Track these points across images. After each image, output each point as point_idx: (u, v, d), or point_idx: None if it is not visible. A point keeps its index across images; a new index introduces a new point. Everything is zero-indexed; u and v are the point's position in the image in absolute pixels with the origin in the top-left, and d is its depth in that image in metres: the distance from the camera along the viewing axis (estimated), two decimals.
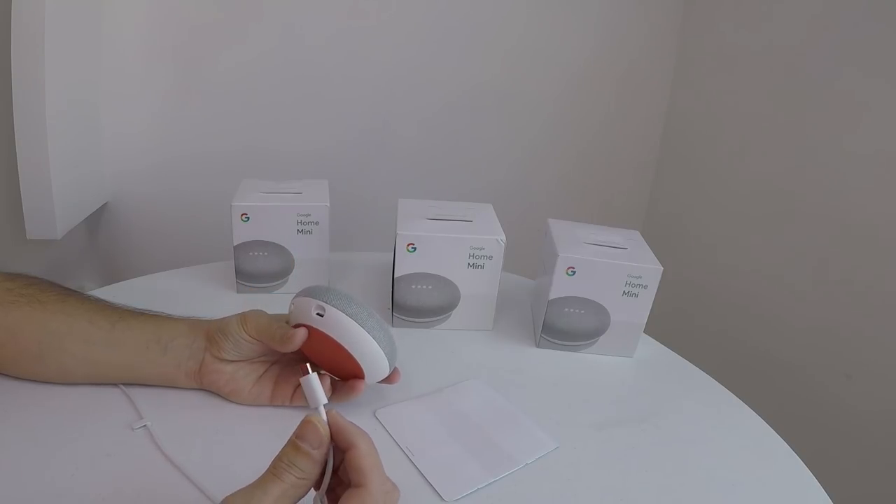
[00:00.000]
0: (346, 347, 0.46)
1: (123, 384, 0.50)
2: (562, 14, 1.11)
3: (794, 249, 0.98)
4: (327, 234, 0.66)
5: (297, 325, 0.47)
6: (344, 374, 0.49)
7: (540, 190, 1.25)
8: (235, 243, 0.64)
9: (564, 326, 0.62)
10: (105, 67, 0.95)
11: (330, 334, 0.46)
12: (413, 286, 0.62)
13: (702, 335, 1.14)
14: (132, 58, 0.96)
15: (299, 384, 0.50)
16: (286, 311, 0.49)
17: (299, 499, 0.33)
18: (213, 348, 0.48)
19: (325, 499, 0.35)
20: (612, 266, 0.59)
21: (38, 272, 0.52)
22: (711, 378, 0.62)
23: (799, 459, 0.51)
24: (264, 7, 0.98)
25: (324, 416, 0.35)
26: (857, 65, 0.87)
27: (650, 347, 0.66)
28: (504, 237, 0.61)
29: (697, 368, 0.63)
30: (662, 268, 0.59)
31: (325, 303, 0.45)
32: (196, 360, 0.49)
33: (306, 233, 0.65)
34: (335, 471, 0.35)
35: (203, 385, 0.50)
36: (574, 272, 0.59)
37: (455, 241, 0.60)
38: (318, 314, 0.45)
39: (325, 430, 0.34)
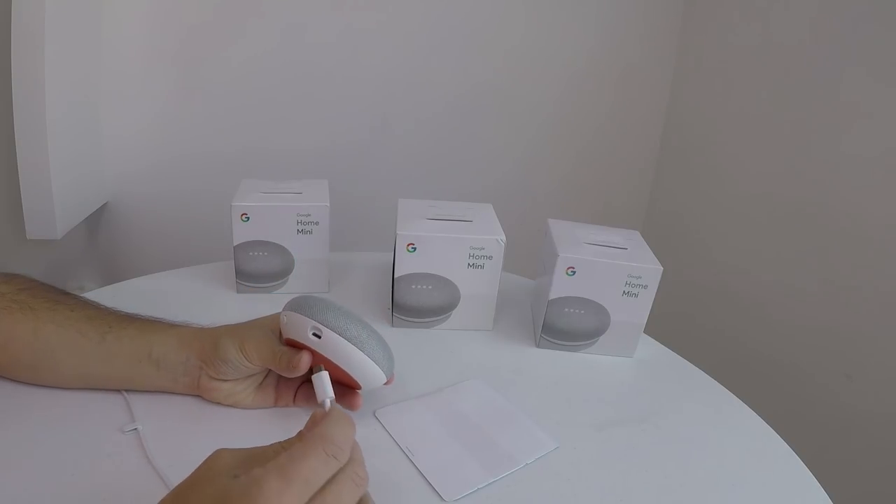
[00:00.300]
0: (344, 368, 0.45)
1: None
2: (562, 14, 1.11)
3: (794, 249, 0.98)
4: (327, 234, 0.66)
5: (289, 341, 0.46)
6: (340, 381, 0.48)
7: (540, 190, 1.25)
8: (235, 243, 0.64)
9: (564, 326, 0.62)
10: (105, 67, 0.95)
11: (328, 357, 0.45)
12: (413, 286, 0.62)
13: (702, 335, 1.14)
14: (132, 58, 0.96)
15: (301, 384, 0.50)
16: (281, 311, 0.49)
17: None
18: (210, 370, 0.47)
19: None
20: (612, 266, 0.59)
21: (38, 272, 0.52)
22: (711, 378, 0.62)
23: (799, 459, 0.51)
24: (264, 7, 0.98)
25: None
26: (856, 65, 0.87)
27: (650, 347, 0.66)
28: (504, 237, 0.61)
29: (697, 368, 0.63)
30: (662, 268, 0.59)
31: (322, 325, 0.44)
32: (192, 376, 0.48)
33: (306, 233, 0.65)
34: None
35: (203, 397, 0.49)
36: (574, 272, 0.59)
37: (455, 241, 0.60)
38: (314, 335, 0.45)
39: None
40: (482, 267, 0.61)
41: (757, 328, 1.05)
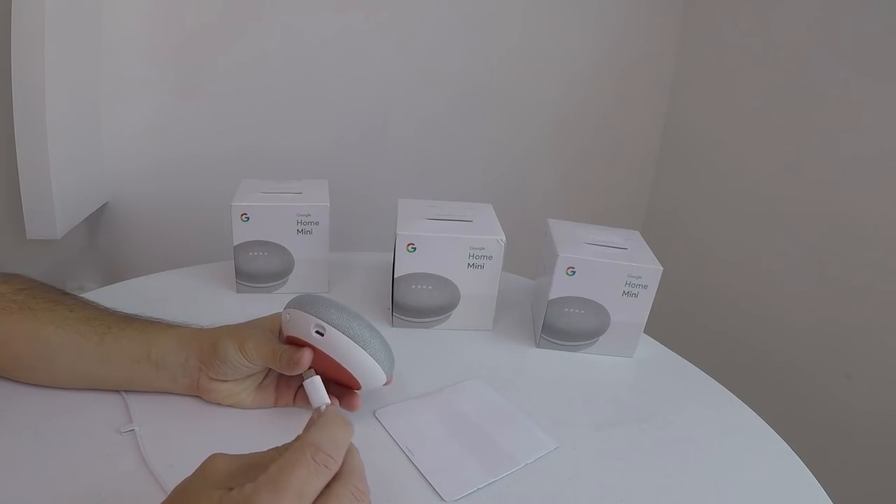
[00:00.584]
0: (346, 367, 0.45)
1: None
2: (562, 14, 1.11)
3: (794, 249, 0.98)
4: (327, 234, 0.66)
5: (290, 338, 0.46)
6: (339, 381, 0.48)
7: (540, 190, 1.25)
8: (235, 243, 0.64)
9: (564, 326, 0.62)
10: (105, 67, 0.95)
11: (330, 354, 0.45)
12: (413, 286, 0.62)
13: (702, 335, 1.14)
14: (132, 58, 0.96)
15: (301, 384, 0.50)
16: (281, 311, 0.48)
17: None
18: (210, 371, 0.47)
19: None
20: (611, 266, 0.59)
21: (38, 272, 0.52)
22: (711, 378, 0.62)
23: (799, 459, 0.51)
24: (264, 7, 0.98)
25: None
26: (856, 65, 0.87)
27: (650, 347, 0.66)
28: (504, 237, 0.61)
29: (697, 368, 0.63)
30: (662, 268, 0.59)
31: (326, 322, 0.44)
32: (191, 377, 0.48)
33: (306, 233, 0.65)
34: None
35: (202, 398, 0.49)
36: (574, 272, 0.59)
37: (455, 241, 0.60)
38: (317, 332, 0.44)
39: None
40: (482, 267, 0.61)
41: (757, 328, 1.05)
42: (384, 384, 0.48)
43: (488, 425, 0.51)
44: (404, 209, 0.65)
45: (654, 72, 1.20)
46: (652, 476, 0.47)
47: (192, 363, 0.47)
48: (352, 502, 0.32)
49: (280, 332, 0.48)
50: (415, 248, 0.60)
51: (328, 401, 0.41)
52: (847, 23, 0.88)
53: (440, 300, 0.63)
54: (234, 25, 0.98)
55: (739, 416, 0.57)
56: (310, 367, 0.45)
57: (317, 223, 0.65)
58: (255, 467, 0.32)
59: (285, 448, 0.33)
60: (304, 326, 0.45)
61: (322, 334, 0.44)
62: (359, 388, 0.48)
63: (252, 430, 0.48)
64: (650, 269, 0.59)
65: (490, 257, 0.61)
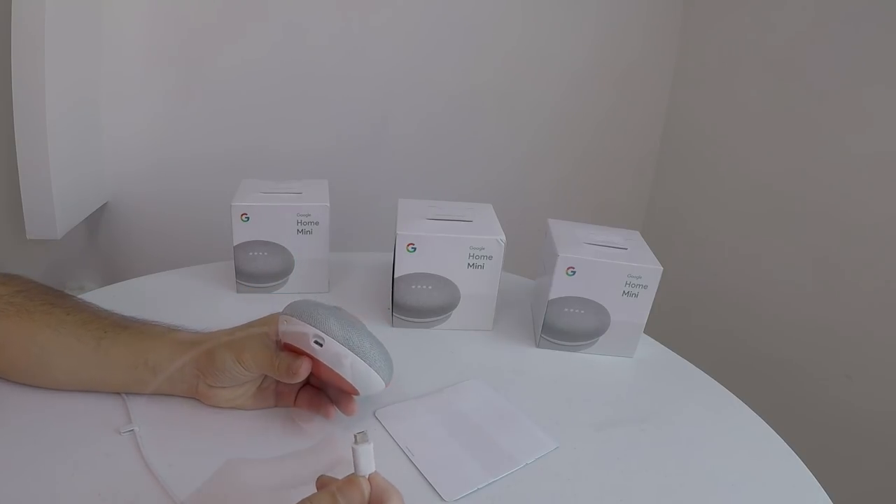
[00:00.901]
0: (345, 377, 0.45)
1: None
2: (561, 14, 1.11)
3: (794, 249, 0.98)
4: (327, 234, 0.66)
5: (288, 346, 0.46)
6: (336, 387, 0.48)
7: (540, 190, 1.25)
8: (235, 243, 0.64)
9: (564, 326, 0.62)
10: (105, 67, 0.95)
11: (329, 365, 0.45)
12: (413, 286, 0.62)
13: (702, 335, 1.14)
14: (132, 58, 0.96)
15: (301, 388, 0.50)
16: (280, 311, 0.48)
17: None
18: (208, 379, 0.47)
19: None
20: (611, 266, 0.59)
21: (38, 272, 0.52)
22: (711, 378, 0.62)
23: (799, 459, 0.51)
24: (264, 7, 0.98)
25: (366, 486, 0.34)
26: (856, 65, 0.87)
27: (650, 347, 0.66)
28: (504, 237, 0.61)
29: (697, 368, 0.63)
30: (662, 268, 0.59)
31: (325, 333, 0.44)
32: (189, 383, 0.48)
33: (306, 233, 0.65)
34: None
35: (202, 402, 0.49)
36: (574, 272, 0.59)
37: (455, 242, 0.60)
38: (316, 343, 0.44)
39: (367, 494, 0.34)
40: (482, 267, 0.61)
41: (757, 328, 1.05)
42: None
43: (488, 425, 0.51)
44: (404, 209, 0.65)
45: (654, 72, 1.20)
46: (652, 476, 0.47)
47: (189, 370, 0.47)
48: None
49: (277, 335, 0.48)
50: (415, 248, 0.60)
51: (374, 468, 0.36)
52: (847, 22, 0.88)
53: (440, 300, 0.63)
54: (233, 26, 0.98)
55: (739, 416, 0.57)
56: (358, 434, 0.39)
57: (317, 223, 0.65)
58: None
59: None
60: (303, 337, 0.44)
61: (321, 345, 0.44)
62: (357, 394, 0.47)
63: (253, 430, 0.48)
64: (650, 269, 0.59)
65: (490, 257, 0.61)
